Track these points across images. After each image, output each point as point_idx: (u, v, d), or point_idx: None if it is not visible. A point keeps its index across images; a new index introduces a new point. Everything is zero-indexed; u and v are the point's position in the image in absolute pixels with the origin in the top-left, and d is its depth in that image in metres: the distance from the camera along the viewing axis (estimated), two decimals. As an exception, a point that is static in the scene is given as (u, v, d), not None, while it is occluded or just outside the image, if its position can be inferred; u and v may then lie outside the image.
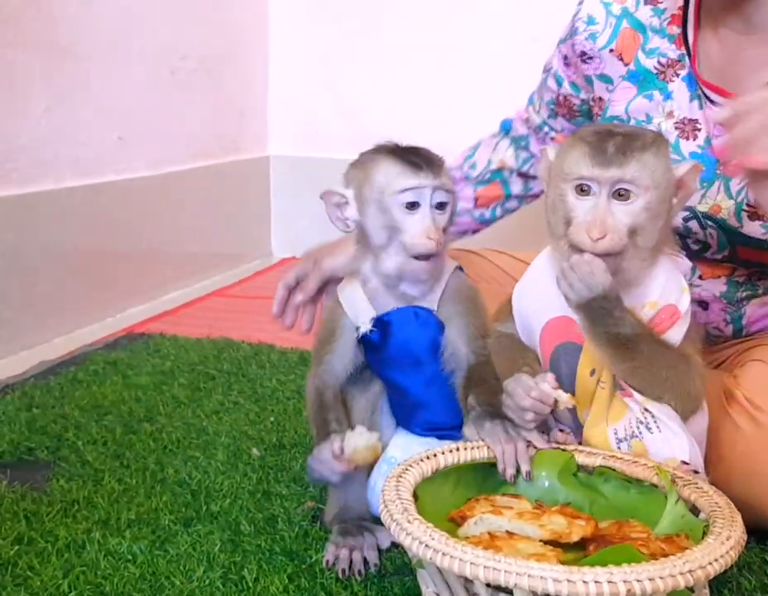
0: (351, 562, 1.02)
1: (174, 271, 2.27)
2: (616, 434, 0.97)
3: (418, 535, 0.79)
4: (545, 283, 1.00)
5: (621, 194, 0.92)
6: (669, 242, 0.99)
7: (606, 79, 1.28)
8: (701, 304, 1.24)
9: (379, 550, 1.05)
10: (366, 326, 1.08)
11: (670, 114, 1.21)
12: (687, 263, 1.00)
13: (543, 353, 0.99)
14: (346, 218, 1.07)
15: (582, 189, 0.93)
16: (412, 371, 1.08)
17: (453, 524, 0.90)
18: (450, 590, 0.81)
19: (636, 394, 0.94)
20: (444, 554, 0.76)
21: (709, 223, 1.18)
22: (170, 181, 2.24)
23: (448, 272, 1.08)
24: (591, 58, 1.28)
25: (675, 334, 0.95)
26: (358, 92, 2.64)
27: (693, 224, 1.20)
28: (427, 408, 1.09)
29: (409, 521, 0.81)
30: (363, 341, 1.09)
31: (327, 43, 2.64)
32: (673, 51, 1.22)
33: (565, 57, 1.33)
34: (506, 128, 1.48)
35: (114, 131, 2.05)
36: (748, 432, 1.02)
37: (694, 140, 1.19)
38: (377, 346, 1.08)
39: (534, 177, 1.44)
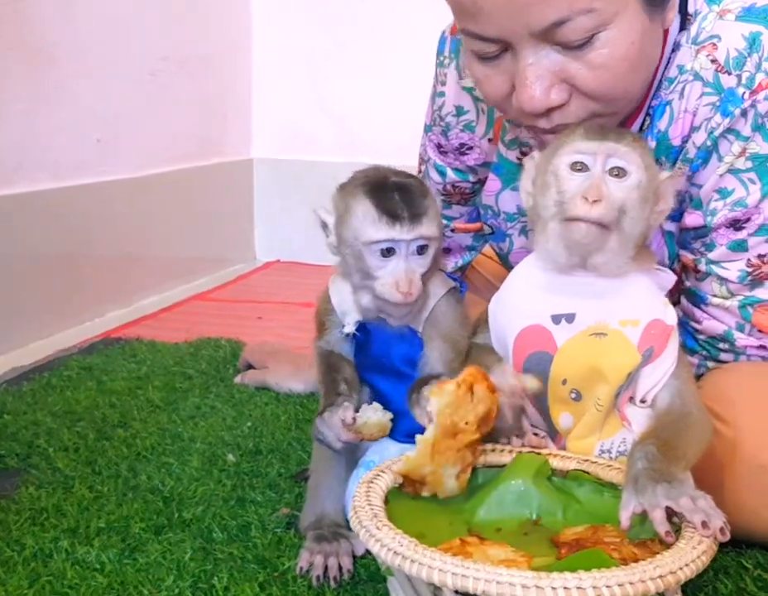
0: (326, 569, 1.00)
1: (155, 275, 2.25)
2: (602, 446, 0.96)
3: (386, 542, 0.77)
4: (522, 292, 1.00)
5: (615, 173, 0.92)
6: (647, 255, 0.99)
7: (488, 165, 1.24)
8: None
9: (354, 557, 1.03)
10: (350, 328, 1.06)
11: None
12: (671, 277, 0.99)
13: (515, 362, 0.97)
14: (329, 243, 1.06)
15: (577, 168, 0.93)
16: (394, 379, 1.06)
17: (427, 528, 0.88)
18: (419, 598, 0.79)
19: (633, 425, 0.94)
20: (412, 560, 0.74)
21: None
22: (150, 184, 2.22)
23: (437, 296, 1.05)
24: (471, 148, 1.23)
25: (672, 350, 0.95)
26: (342, 95, 2.63)
27: None
28: (408, 416, 1.07)
29: (378, 528, 0.79)
30: (350, 338, 1.07)
31: (311, 45, 2.64)
32: (533, 139, 1.16)
33: (438, 145, 1.27)
34: None
35: (93, 133, 2.03)
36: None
37: None
38: (361, 347, 1.07)
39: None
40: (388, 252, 0.99)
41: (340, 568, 1.01)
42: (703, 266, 1.11)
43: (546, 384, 0.95)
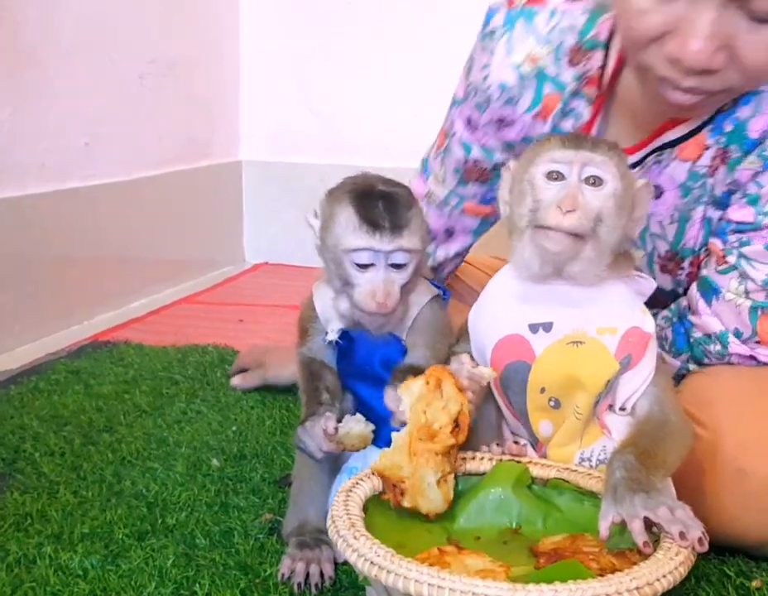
0: (307, 575, 1.00)
1: (143, 278, 2.25)
2: (582, 454, 0.96)
3: (363, 552, 0.78)
4: (500, 301, 1.00)
5: (591, 182, 0.93)
6: (624, 262, 0.99)
7: (530, 140, 1.21)
8: None
9: (335, 564, 1.03)
10: (333, 335, 1.06)
11: None
12: (651, 284, 0.99)
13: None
14: (316, 246, 1.05)
15: (553, 177, 0.94)
16: (377, 386, 1.06)
17: (406, 538, 0.89)
18: (397, 608, 0.79)
19: (613, 433, 0.94)
20: (388, 571, 0.75)
21: None
22: (138, 187, 2.22)
23: (421, 304, 1.05)
24: (512, 122, 1.22)
25: (651, 358, 0.96)
26: (330, 97, 2.63)
27: None
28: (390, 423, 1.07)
29: (355, 537, 0.80)
30: (333, 345, 1.07)
31: (299, 47, 2.63)
32: (590, 114, 1.17)
33: (469, 120, 1.26)
34: None
35: (81, 137, 2.03)
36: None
37: None
38: (344, 354, 1.07)
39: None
40: (367, 261, 0.99)
41: (322, 575, 1.01)
42: (732, 259, 1.10)
43: (525, 393, 0.96)
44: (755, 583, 1.01)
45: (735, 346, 1.12)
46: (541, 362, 0.95)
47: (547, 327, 0.95)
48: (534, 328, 0.96)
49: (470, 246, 1.39)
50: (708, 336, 1.13)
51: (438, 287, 1.09)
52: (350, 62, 2.59)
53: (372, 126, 2.57)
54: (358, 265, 0.99)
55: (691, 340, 1.15)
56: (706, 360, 1.14)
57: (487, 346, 0.98)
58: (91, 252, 2.05)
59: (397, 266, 1.00)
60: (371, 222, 0.98)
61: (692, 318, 1.15)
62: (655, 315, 1.08)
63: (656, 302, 1.16)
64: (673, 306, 1.20)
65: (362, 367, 1.06)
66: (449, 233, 1.34)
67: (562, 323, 0.95)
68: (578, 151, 0.93)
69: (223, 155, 2.65)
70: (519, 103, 1.20)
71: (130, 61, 2.18)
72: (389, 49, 2.53)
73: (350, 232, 0.99)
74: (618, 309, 0.96)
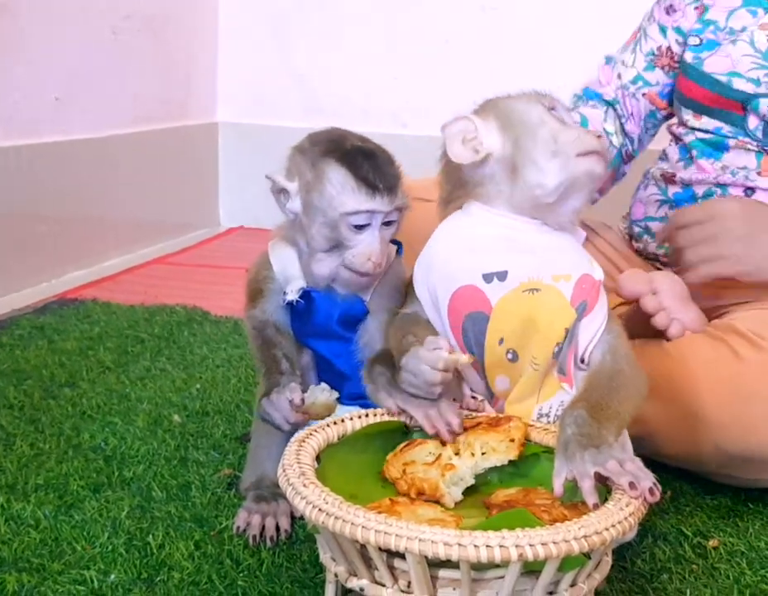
0: (263, 528, 1.00)
1: (115, 238, 2.23)
2: (540, 409, 0.95)
3: (312, 499, 0.76)
4: (452, 252, 0.97)
5: None
6: None
7: None
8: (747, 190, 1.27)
9: (293, 518, 1.03)
10: (293, 295, 1.04)
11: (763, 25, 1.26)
12: (582, 234, 1.00)
13: (451, 323, 0.95)
14: (288, 209, 1.02)
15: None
16: (336, 343, 1.05)
17: (359, 490, 0.88)
18: (345, 556, 0.78)
19: (574, 388, 0.93)
20: (336, 517, 0.74)
21: None
22: (111, 145, 2.19)
23: (389, 261, 1.03)
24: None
25: (603, 304, 0.95)
26: (309, 60, 2.60)
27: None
28: (352, 380, 1.05)
29: (304, 485, 0.78)
30: (290, 306, 1.05)
31: (278, 8, 2.60)
32: None
33: (668, 9, 1.37)
34: (597, 96, 1.42)
35: (51, 91, 2.00)
36: (750, 357, 1.07)
37: None
38: (302, 314, 1.05)
39: (629, 159, 1.44)
40: (364, 222, 0.97)
41: (278, 528, 1.00)
42: None
43: (483, 346, 0.94)
44: (712, 543, 1.01)
45: None
46: (498, 311, 0.93)
47: (502, 276, 0.93)
48: (488, 277, 0.93)
49: (638, 139, 1.44)
50: None
51: (393, 241, 1.07)
52: (329, 24, 2.55)
53: (350, 88, 2.54)
54: (356, 226, 0.98)
55: None
56: None
57: (441, 298, 0.96)
58: (61, 209, 2.02)
59: (390, 224, 0.99)
60: (368, 183, 0.96)
61: None
62: None
63: None
64: None
65: (321, 326, 1.04)
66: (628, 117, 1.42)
67: (517, 271, 0.93)
68: None
69: (200, 116, 2.61)
70: None
71: (104, 15, 2.14)
72: (367, 12, 2.50)
73: (348, 194, 0.96)
74: (570, 257, 0.95)
